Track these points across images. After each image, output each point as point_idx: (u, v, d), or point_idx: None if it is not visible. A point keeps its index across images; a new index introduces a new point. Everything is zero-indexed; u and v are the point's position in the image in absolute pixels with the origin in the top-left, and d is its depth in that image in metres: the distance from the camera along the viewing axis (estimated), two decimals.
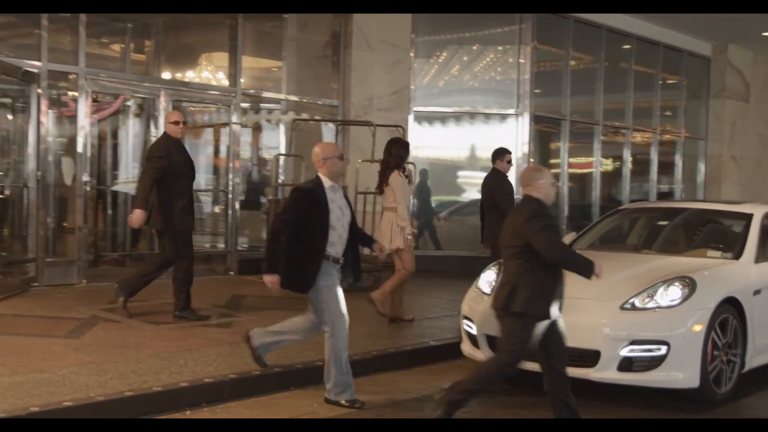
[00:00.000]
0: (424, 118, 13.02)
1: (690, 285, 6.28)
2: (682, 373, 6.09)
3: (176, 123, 8.13)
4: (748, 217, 7.58)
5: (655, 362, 6.08)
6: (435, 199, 13.65)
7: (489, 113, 13.49)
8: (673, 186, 16.86)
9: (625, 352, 6.09)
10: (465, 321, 7.07)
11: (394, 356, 7.39)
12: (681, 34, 15.94)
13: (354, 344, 7.41)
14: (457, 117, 13.52)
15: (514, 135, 13.27)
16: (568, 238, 8.32)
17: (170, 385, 5.91)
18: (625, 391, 6.39)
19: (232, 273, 11.25)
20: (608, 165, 15.24)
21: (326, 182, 6.01)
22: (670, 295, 6.25)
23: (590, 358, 6.18)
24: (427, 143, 13.21)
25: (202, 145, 12.59)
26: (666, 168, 16.65)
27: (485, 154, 13.68)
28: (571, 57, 14.19)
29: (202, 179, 12.62)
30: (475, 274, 8.94)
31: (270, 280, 5.94)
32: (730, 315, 6.45)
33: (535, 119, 13.42)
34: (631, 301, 6.28)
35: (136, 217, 7.85)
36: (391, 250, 8.51)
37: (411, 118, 12.87)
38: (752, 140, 18.01)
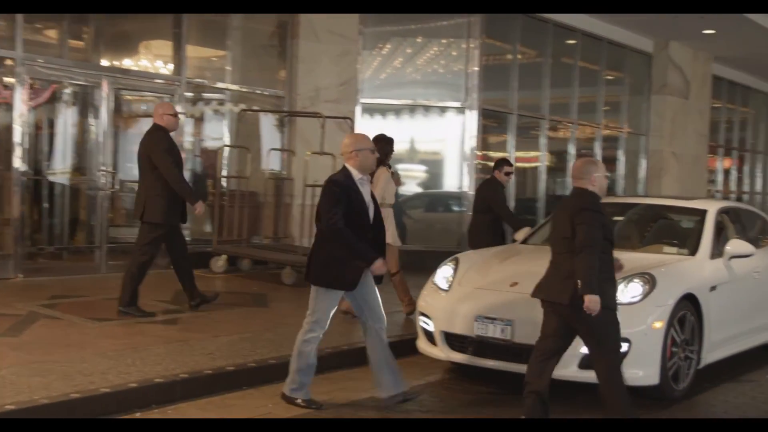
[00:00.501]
0: (372, 110, 12.87)
1: (650, 282, 6.24)
2: (642, 370, 6.05)
3: (174, 115, 8.00)
4: (702, 213, 7.59)
5: None
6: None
7: (437, 106, 13.39)
8: (616, 181, 16.99)
9: (585, 349, 6.00)
10: (422, 318, 6.94)
11: (349, 353, 7.21)
12: (625, 31, 16.05)
13: None
14: (407, 109, 13.38)
15: (462, 128, 13.21)
16: (522, 233, 8.26)
17: (119, 386, 5.65)
18: (584, 390, 6.32)
19: None
20: (554, 160, 15.26)
21: (356, 175, 5.70)
22: (631, 291, 6.20)
23: None
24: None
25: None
26: (609, 163, 16.74)
27: (434, 147, 13.65)
28: (519, 51, 14.16)
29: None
30: (423, 269, 8.87)
31: (380, 266, 5.65)
32: (688, 311, 6.44)
33: (483, 113, 13.35)
34: None
35: (200, 207, 7.89)
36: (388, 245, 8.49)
37: (359, 110, 12.70)
38: (691, 136, 18.26)
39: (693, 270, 6.86)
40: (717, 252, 7.20)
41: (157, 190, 7.75)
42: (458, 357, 6.55)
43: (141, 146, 7.93)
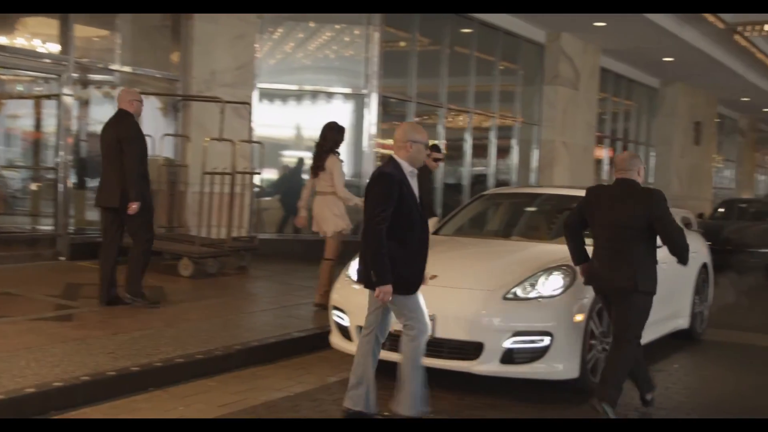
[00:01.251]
0: (270, 95, 12.47)
1: (571, 274, 6.16)
2: (563, 364, 5.96)
3: (140, 100, 7.93)
4: None
5: (537, 354, 5.92)
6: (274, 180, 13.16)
7: (337, 92, 13.11)
8: (510, 170, 17.11)
9: (508, 343, 5.90)
10: (335, 312, 6.68)
11: (258, 350, 6.89)
12: (519, 21, 16.13)
13: (214, 337, 6.92)
14: (307, 95, 13.04)
15: (362, 115, 12.98)
16: (430, 224, 8.09)
17: (14, 392, 5.17)
18: (504, 383, 6.21)
19: (63, 258, 10.31)
20: (451, 148, 15.19)
21: (406, 168, 5.27)
22: (552, 284, 6.12)
23: (472, 350, 5.96)
24: (272, 122, 12.68)
25: (26, 118, 11.47)
26: (503, 153, 16.87)
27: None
28: (417, 39, 14.00)
29: (28, 155, 11.55)
30: (316, 259, 8.65)
31: (387, 290, 5.10)
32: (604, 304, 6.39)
33: (383, 100, 13.14)
34: (513, 290, 6.08)
35: (136, 207, 7.61)
36: (334, 233, 8.34)
37: (256, 95, 12.29)
38: (581, 127, 18.57)
39: None
40: None
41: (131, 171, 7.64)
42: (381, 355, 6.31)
43: (109, 131, 7.80)
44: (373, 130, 12.98)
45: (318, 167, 8.35)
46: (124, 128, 7.70)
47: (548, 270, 6.20)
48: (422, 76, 14.06)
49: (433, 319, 5.93)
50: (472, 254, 7.14)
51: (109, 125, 7.85)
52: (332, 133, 8.37)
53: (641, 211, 5.50)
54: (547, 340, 5.90)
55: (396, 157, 5.31)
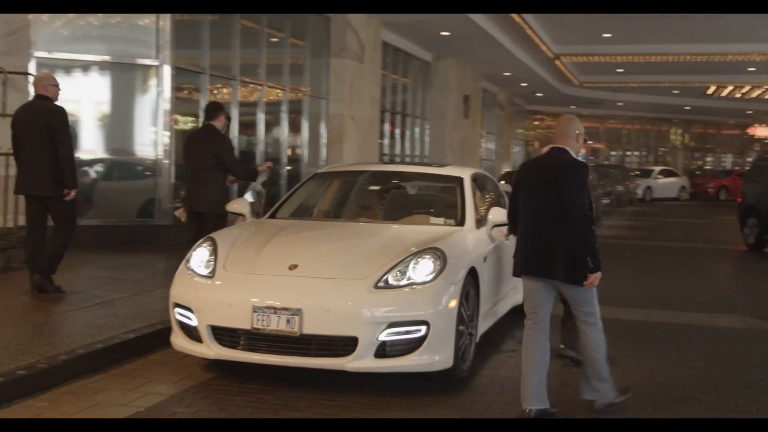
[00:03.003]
0: (49, 66, 11.10)
1: (441, 257, 5.79)
2: (438, 354, 5.59)
3: (57, 85, 7.88)
4: (458, 181, 7.33)
5: (413, 345, 5.51)
6: None
7: (126, 63, 11.96)
8: (303, 145, 16.62)
9: (383, 336, 5.44)
10: (179, 310, 5.92)
11: (86, 358, 5.98)
12: None
13: (29, 348, 5.94)
14: (94, 66, 11.79)
15: (155, 87, 11.95)
16: (237, 205, 7.46)
17: None
18: (372, 379, 5.77)
19: None
20: (244, 122, 14.41)
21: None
22: (423, 269, 5.71)
23: (344, 345, 5.45)
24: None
25: None
26: (294, 127, 16.33)
27: (122, 107, 12.24)
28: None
29: None
30: (108, 247, 7.88)
31: (599, 276, 5.15)
32: (470, 286, 6.11)
33: (175, 72, 12.16)
34: (384, 278, 5.62)
35: (73, 195, 7.67)
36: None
37: (32, 65, 10.95)
38: (366, 100, 18.37)
39: (468, 241, 6.55)
40: (479, 221, 6.98)
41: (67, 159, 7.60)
42: (232, 354, 5.65)
43: (37, 118, 7.61)
44: (167, 103, 11.97)
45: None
46: (56, 118, 7.58)
47: (416, 254, 5.80)
48: (215, 47, 13.18)
49: (299, 314, 5.41)
50: (326, 239, 6.61)
51: (35, 111, 7.70)
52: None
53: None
54: (423, 330, 5.50)
55: (568, 147, 5.35)
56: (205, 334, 5.69)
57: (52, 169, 7.52)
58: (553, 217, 5.16)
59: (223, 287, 5.75)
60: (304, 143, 16.73)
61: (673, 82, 33.29)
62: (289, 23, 15.57)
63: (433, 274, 5.68)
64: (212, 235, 6.41)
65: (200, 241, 6.33)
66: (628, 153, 51.12)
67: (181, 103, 12.71)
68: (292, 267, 5.73)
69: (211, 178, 7.98)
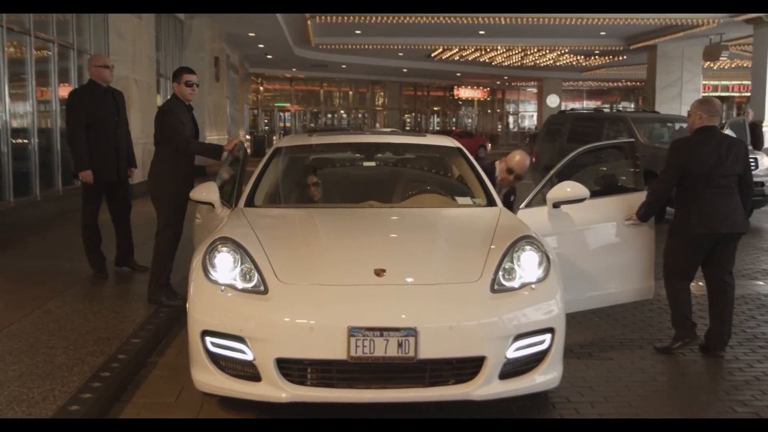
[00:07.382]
0: None
1: (539, 247, 4.73)
2: (557, 369, 4.55)
3: (107, 67, 7.77)
4: (459, 152, 6.25)
5: (536, 360, 4.44)
6: None
7: None
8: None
9: (511, 352, 4.31)
10: (214, 340, 4.33)
11: None
12: None
13: None
14: None
15: None
16: (205, 191, 5.85)
17: None
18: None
19: None
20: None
21: None
22: (528, 263, 4.61)
23: (470, 368, 4.25)
24: None
25: None
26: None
27: None
28: None
29: None
30: None
31: None
32: None
33: None
34: (496, 279, 4.47)
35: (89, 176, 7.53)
36: None
37: None
38: (146, 62, 16.31)
39: (522, 224, 5.38)
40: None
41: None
42: (318, 394, 4.18)
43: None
44: None
45: None
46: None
47: (513, 246, 4.68)
48: None
49: (412, 333, 4.14)
50: (375, 233, 5.23)
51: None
52: None
53: (735, 156, 5.65)
54: (548, 340, 4.45)
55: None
56: (271, 370, 4.17)
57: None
58: None
59: (291, 305, 4.26)
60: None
61: (402, 44, 33.39)
62: None
63: (543, 268, 4.62)
64: (224, 234, 4.77)
65: (208, 247, 4.67)
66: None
67: None
68: (379, 272, 4.39)
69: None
